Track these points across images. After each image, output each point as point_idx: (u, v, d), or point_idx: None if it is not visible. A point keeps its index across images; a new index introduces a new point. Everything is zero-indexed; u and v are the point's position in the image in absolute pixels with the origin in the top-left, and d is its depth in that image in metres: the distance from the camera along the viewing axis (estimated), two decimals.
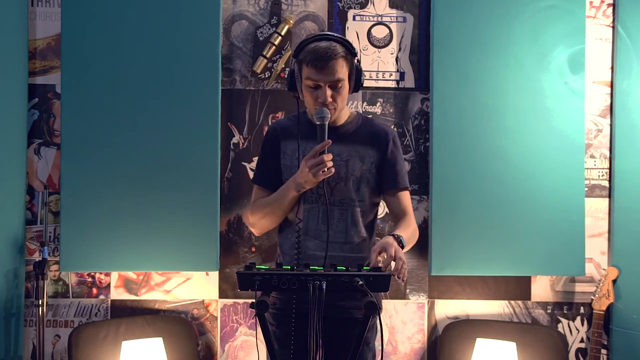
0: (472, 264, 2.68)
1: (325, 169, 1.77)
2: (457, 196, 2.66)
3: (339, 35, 1.84)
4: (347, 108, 1.99)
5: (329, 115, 1.81)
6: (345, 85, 1.85)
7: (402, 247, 1.75)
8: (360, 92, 2.79)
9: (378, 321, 1.48)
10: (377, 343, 2.76)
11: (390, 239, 1.70)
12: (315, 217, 1.89)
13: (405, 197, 1.99)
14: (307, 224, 1.90)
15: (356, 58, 1.86)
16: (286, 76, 1.92)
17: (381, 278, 1.53)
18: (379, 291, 1.55)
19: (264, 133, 2.14)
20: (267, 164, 2.00)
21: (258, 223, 1.97)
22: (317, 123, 1.80)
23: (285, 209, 1.90)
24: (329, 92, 1.81)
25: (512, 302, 2.83)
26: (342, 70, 1.81)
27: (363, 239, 1.94)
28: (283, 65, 2.79)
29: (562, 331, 2.79)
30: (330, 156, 1.78)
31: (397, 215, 1.98)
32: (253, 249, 2.80)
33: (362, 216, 1.94)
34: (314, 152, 1.78)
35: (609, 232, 2.83)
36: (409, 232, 1.88)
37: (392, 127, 2.83)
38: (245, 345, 2.80)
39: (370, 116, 2.81)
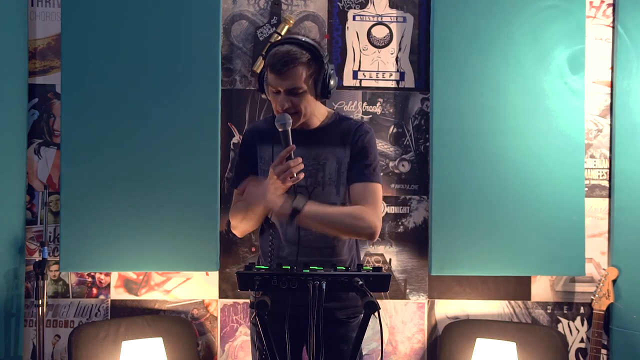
0: (472, 264, 2.68)
1: (294, 175, 1.74)
2: (457, 196, 2.66)
3: (306, 40, 1.80)
4: (325, 109, 1.97)
5: (290, 121, 1.76)
6: (308, 92, 1.81)
7: (298, 210, 1.71)
8: (360, 92, 2.81)
9: (378, 321, 1.47)
10: (377, 343, 2.78)
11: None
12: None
13: (369, 187, 1.87)
14: (286, 230, 1.90)
15: (325, 62, 1.81)
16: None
17: (381, 278, 1.54)
18: (379, 291, 1.55)
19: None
20: (244, 168, 1.97)
21: (238, 226, 1.95)
22: (279, 130, 1.77)
23: (260, 214, 1.86)
24: (285, 98, 1.79)
25: (512, 302, 2.83)
26: (302, 77, 1.77)
27: (341, 241, 1.93)
28: None
29: (562, 331, 2.79)
30: (298, 161, 1.74)
31: (354, 204, 1.88)
32: (253, 249, 2.80)
33: None
34: (280, 158, 1.74)
35: (609, 232, 2.83)
36: (337, 211, 1.81)
37: (392, 127, 2.83)
38: (245, 345, 2.80)
39: (369, 117, 2.81)
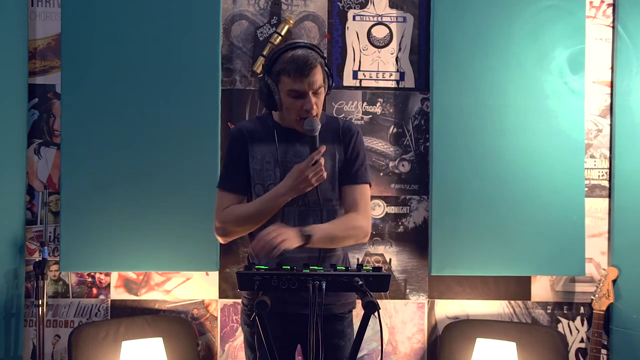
0: (472, 264, 2.68)
1: (321, 174, 1.80)
2: (457, 196, 2.66)
3: (307, 42, 1.86)
4: None
5: (319, 126, 1.80)
6: (324, 91, 1.87)
7: (307, 241, 1.74)
8: (360, 92, 2.81)
9: (378, 321, 1.48)
10: (377, 343, 2.78)
11: (282, 229, 1.71)
12: (292, 219, 1.88)
13: (360, 190, 1.93)
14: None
15: (325, 62, 1.88)
16: (258, 91, 1.92)
17: (381, 278, 1.54)
18: (379, 291, 1.56)
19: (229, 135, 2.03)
20: (235, 168, 1.94)
21: (234, 231, 1.92)
22: (309, 135, 1.79)
23: (273, 215, 1.87)
24: (314, 99, 1.82)
25: (512, 302, 2.83)
26: (322, 76, 1.84)
27: None
28: None
29: (562, 331, 2.78)
30: (323, 161, 1.81)
31: (346, 209, 1.92)
32: None
33: (337, 214, 1.94)
34: (311, 159, 1.78)
35: (609, 232, 2.83)
36: (338, 227, 1.86)
37: (392, 127, 2.83)
38: None
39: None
